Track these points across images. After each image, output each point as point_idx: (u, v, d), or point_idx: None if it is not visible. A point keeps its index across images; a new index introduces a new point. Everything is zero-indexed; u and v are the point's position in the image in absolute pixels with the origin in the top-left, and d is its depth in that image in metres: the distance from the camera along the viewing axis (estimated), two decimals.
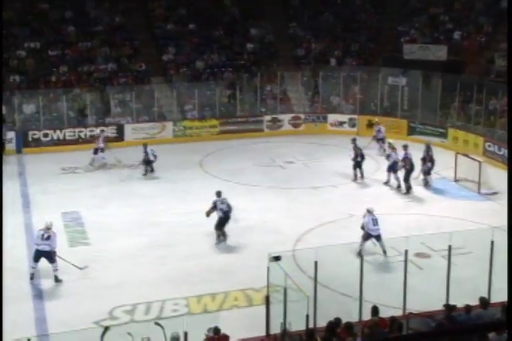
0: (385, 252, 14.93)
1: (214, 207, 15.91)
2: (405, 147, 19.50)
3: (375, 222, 15.02)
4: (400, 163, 19.31)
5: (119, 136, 24.02)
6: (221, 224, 15.90)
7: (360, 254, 13.37)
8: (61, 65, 25.37)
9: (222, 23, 28.30)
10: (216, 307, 13.05)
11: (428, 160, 19.67)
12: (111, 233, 16.32)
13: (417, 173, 19.59)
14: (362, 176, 20.20)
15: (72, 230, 16.56)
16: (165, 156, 21.78)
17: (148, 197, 18.75)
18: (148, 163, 20.66)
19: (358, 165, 20.21)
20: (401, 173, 19.46)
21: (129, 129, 24.24)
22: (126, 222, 17.03)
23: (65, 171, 21.17)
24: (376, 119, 23.95)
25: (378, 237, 14.98)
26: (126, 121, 24.52)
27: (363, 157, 20.26)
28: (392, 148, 19.89)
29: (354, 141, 20.61)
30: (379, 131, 22.98)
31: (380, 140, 22.73)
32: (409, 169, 19.18)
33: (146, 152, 20.59)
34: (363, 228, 15.13)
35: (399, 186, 19.44)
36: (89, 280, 13.97)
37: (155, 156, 20.57)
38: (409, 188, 19.18)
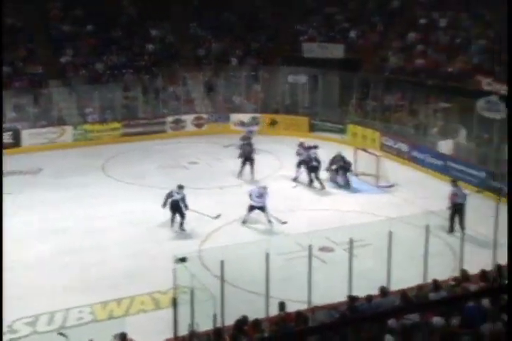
0: (269, 221, 16.61)
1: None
2: (315, 147, 19.93)
3: (260, 195, 16.62)
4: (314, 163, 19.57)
5: (16, 142, 23.17)
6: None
7: (244, 223, 16.28)
8: None
9: (121, 23, 27.86)
10: (122, 313, 12.86)
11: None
12: (15, 241, 15.70)
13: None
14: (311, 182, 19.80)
15: None
16: (66, 161, 21.28)
17: (50, 204, 18.26)
18: None
19: (312, 170, 19.69)
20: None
21: (26, 134, 23.42)
22: (30, 230, 16.57)
23: None
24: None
25: (262, 209, 16.59)
26: (22, 126, 23.65)
27: (314, 162, 19.78)
28: (304, 146, 20.09)
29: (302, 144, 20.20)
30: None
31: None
32: (317, 166, 19.50)
33: None
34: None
35: (311, 181, 19.65)
36: None
37: None
38: (321, 184, 19.52)
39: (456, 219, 16.24)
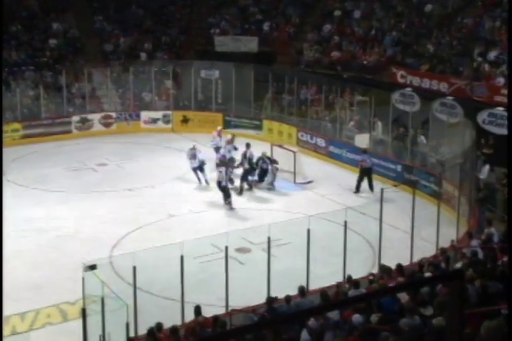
0: (206, 182, 18.58)
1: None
2: (248, 145, 18.91)
3: (193, 156, 18.65)
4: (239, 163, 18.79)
5: None
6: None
7: (207, 183, 18.67)
8: None
9: (21, 17, 26.33)
10: (26, 328, 12.26)
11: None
12: None
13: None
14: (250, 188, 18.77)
15: None
16: None
17: None
18: None
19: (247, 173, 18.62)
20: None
21: None
22: None
23: None
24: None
25: (200, 168, 18.72)
26: None
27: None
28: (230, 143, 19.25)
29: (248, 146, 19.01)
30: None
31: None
32: (249, 168, 18.70)
33: None
34: None
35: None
36: None
37: None
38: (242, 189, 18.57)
39: (365, 182, 18.28)
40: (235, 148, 19.02)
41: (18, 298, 12.94)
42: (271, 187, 18.82)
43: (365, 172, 18.35)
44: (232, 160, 18.74)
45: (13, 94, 23.44)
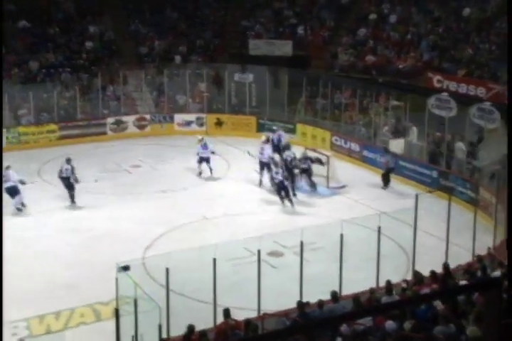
0: (210, 170, 19.61)
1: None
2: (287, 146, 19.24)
3: (205, 146, 19.59)
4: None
5: None
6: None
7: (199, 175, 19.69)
8: None
9: (58, 19, 26.63)
10: (61, 327, 12.29)
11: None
12: None
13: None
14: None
15: None
16: None
17: None
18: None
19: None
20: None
21: None
22: None
23: None
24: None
25: (207, 160, 19.55)
26: None
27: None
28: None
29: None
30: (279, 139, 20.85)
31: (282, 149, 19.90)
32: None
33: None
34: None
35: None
36: None
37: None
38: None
39: (389, 179, 18.91)
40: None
41: (53, 297, 13.09)
42: (313, 190, 18.66)
43: (389, 171, 18.98)
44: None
45: (50, 96, 23.67)
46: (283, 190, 17.62)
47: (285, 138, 21.02)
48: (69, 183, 17.67)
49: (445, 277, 11.31)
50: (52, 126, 23.43)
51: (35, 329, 12.17)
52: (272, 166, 18.38)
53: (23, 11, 26.22)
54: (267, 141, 19.80)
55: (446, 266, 11.89)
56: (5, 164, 16.76)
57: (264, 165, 18.95)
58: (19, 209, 17.30)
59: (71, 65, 25.35)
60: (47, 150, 21.74)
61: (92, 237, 15.80)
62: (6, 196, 16.84)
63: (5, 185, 17.15)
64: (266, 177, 18.94)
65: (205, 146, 19.77)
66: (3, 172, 17.12)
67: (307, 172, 18.72)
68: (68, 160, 17.88)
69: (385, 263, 12.92)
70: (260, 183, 19.10)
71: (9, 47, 25.14)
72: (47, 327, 12.25)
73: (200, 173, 19.84)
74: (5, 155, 21.34)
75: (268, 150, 19.29)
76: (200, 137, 20.25)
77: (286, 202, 17.59)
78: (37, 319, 12.41)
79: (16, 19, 25.98)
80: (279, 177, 17.60)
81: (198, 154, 19.84)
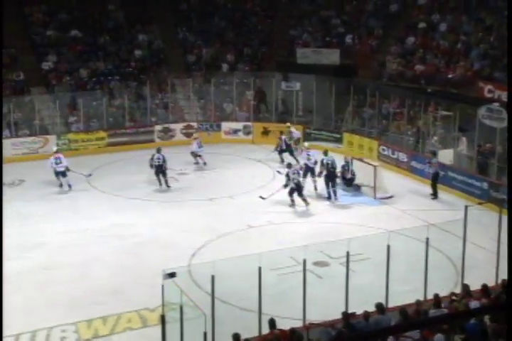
0: (204, 163, 21.24)
1: (288, 179, 17.84)
2: (325, 152, 19.35)
3: (199, 144, 21.41)
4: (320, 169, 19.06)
5: None
6: (298, 192, 17.82)
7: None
8: None
9: (108, 28, 27.08)
10: (108, 331, 12.36)
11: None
12: None
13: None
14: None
15: None
16: (49, 172, 20.45)
17: (30, 217, 17.62)
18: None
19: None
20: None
21: (7, 144, 22.52)
22: (6, 245, 15.54)
23: None
24: (288, 124, 23.19)
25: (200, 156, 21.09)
26: (5, 135, 22.79)
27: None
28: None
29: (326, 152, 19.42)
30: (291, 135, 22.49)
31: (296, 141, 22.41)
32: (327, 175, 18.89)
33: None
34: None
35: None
36: None
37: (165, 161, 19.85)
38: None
39: (436, 188, 18.76)
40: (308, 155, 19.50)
41: (100, 302, 13.19)
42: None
43: (435, 177, 18.85)
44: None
45: (100, 103, 24.06)
46: (297, 190, 17.84)
47: (296, 134, 22.68)
48: (161, 170, 19.58)
49: (500, 293, 11.01)
50: (102, 134, 23.79)
51: (83, 333, 12.27)
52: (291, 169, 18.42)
53: (75, 21, 26.78)
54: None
55: (503, 281, 11.53)
56: None
57: (308, 170, 19.15)
58: (61, 186, 19.50)
59: (120, 73, 25.76)
60: (96, 157, 22.08)
61: (138, 243, 15.89)
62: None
63: (58, 169, 19.43)
64: (307, 182, 19.13)
65: (200, 144, 21.67)
66: (56, 156, 19.62)
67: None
68: (159, 150, 19.91)
69: (433, 275, 12.70)
70: (315, 188, 19.23)
71: (61, 56, 25.68)
72: (94, 332, 12.34)
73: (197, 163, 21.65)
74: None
75: (315, 155, 19.47)
76: (195, 135, 22.23)
77: (300, 202, 17.87)
78: (85, 323, 12.51)
79: (67, 28, 26.52)
80: (298, 177, 18.02)
81: (192, 152, 21.62)
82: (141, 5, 27.90)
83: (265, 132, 24.61)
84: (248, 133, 24.94)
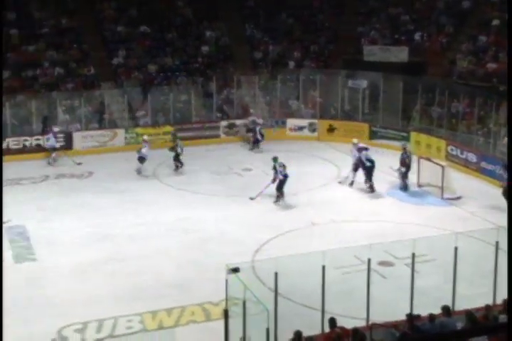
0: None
1: (276, 172, 18.19)
2: (366, 148, 19.44)
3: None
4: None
5: (68, 145, 22.86)
6: (281, 186, 18.00)
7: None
8: (3, 70, 24.08)
9: (176, 24, 27.37)
10: (172, 323, 12.53)
11: (402, 164, 19.20)
12: (59, 247, 15.59)
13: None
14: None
15: (18, 245, 15.74)
16: (117, 165, 20.95)
17: (98, 209, 17.96)
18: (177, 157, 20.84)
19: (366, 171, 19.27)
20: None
21: (78, 137, 23.10)
22: (75, 236, 16.30)
23: (8, 182, 20.05)
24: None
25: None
26: (75, 128, 23.36)
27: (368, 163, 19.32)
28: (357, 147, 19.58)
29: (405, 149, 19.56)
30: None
31: None
32: (371, 167, 18.99)
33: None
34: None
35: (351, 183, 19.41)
36: (37, 298, 13.21)
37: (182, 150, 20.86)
38: (371, 187, 19.04)
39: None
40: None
41: (165, 294, 13.35)
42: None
43: None
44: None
45: (167, 98, 24.38)
46: (282, 183, 18.12)
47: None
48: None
49: None
50: (168, 128, 24.09)
51: (148, 324, 12.45)
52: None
53: (144, 17, 27.18)
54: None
55: None
56: None
57: (358, 166, 19.29)
58: (139, 172, 20.54)
59: (187, 68, 25.99)
60: (162, 151, 22.36)
61: (203, 238, 16.03)
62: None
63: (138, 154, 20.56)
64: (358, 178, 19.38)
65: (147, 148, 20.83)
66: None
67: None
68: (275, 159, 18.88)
69: (503, 280, 12.31)
70: (352, 183, 19.41)
71: (130, 51, 26.15)
72: (159, 323, 12.50)
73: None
74: (123, 154, 22.47)
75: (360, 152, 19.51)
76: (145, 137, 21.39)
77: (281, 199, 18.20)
78: (150, 314, 12.69)
79: (137, 24, 26.95)
80: (285, 170, 18.21)
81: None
82: (209, 1, 28.07)
83: (330, 129, 24.46)
84: (314, 131, 24.83)
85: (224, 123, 24.71)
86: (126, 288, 13.70)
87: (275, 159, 18.60)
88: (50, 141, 21.86)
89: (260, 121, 23.90)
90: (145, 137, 21.57)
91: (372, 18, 27.80)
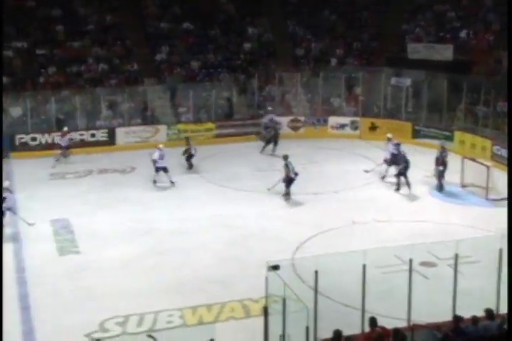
0: (171, 182, 19.22)
1: (288, 170, 18.06)
2: (398, 144, 19.47)
3: (161, 156, 19.22)
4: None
5: (110, 140, 23.16)
6: (289, 185, 18.07)
7: (155, 183, 19.36)
8: (49, 66, 24.51)
9: (218, 21, 27.50)
10: (212, 319, 12.51)
11: (440, 163, 18.99)
12: (102, 241, 15.77)
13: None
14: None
15: (62, 238, 15.98)
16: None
17: (141, 204, 18.15)
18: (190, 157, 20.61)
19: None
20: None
21: (121, 133, 23.37)
22: (118, 230, 16.49)
23: (53, 176, 20.46)
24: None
25: (165, 169, 19.26)
26: (118, 124, 23.65)
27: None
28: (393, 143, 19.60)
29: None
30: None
31: None
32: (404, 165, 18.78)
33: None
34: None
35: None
36: (80, 291, 13.38)
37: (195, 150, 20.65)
38: (398, 185, 18.90)
39: None
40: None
41: (205, 290, 13.38)
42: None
43: None
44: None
45: (209, 95, 24.49)
46: (290, 181, 18.09)
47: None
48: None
49: None
50: (210, 125, 24.20)
51: (188, 319, 12.48)
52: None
53: (187, 13, 27.36)
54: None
55: None
56: None
57: (394, 160, 19.28)
58: (154, 182, 19.50)
59: (229, 65, 26.09)
60: (203, 147, 22.48)
61: (243, 234, 16.04)
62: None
63: (158, 164, 19.41)
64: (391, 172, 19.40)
65: (163, 155, 19.45)
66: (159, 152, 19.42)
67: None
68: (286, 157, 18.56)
69: None
70: (383, 177, 19.52)
71: (173, 48, 26.34)
72: (199, 318, 12.52)
73: (155, 181, 19.52)
74: (166, 150, 22.56)
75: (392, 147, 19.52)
76: (160, 146, 19.85)
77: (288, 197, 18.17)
78: (190, 310, 12.72)
79: (180, 21, 27.14)
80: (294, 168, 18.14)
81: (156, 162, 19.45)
82: None
83: (373, 128, 24.28)
84: (356, 129, 24.69)
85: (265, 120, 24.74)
86: (167, 282, 13.78)
87: (286, 157, 18.41)
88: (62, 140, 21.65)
89: (277, 119, 23.54)
90: (160, 146, 20.03)
91: (418, 15, 27.47)
